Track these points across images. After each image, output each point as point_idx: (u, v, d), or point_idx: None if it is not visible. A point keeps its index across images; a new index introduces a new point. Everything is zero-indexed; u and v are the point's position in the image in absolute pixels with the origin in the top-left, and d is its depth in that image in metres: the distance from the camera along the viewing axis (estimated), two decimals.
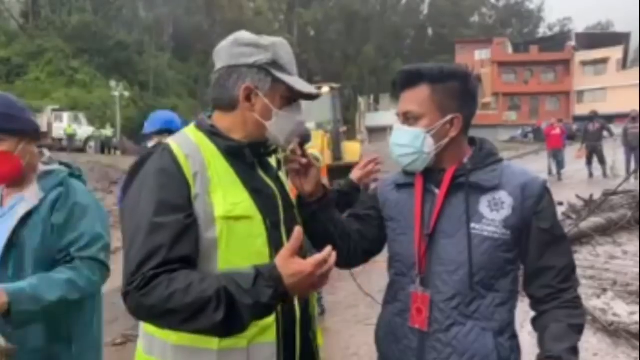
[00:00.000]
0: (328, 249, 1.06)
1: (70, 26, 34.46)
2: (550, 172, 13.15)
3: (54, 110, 24.40)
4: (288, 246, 1.06)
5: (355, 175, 1.85)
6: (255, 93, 1.22)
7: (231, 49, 1.25)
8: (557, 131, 13.35)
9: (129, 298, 1.04)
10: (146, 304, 1.03)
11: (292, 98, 1.27)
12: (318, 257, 1.04)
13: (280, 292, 1.03)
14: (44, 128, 23.25)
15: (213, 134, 1.25)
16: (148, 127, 3.66)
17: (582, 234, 6.44)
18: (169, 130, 3.49)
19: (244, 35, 1.27)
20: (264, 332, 1.16)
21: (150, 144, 3.55)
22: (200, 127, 1.27)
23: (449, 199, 1.32)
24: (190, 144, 1.20)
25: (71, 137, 22.13)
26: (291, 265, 1.03)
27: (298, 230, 1.07)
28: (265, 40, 1.25)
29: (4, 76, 31.74)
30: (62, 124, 23.08)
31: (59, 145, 22.28)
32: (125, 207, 1.16)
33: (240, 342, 1.13)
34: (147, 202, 1.10)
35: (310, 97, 1.31)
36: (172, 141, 1.21)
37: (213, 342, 1.12)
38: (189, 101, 37.90)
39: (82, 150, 22.14)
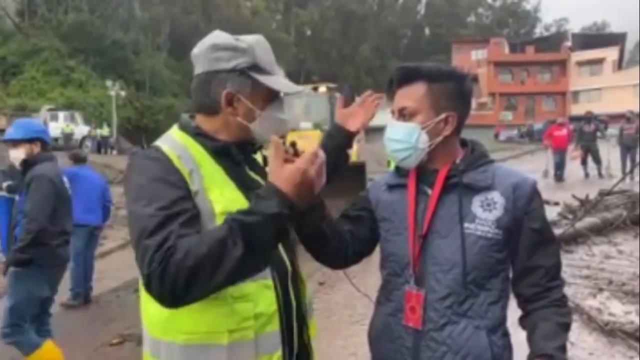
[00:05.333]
0: (315, 147, 1.07)
1: (66, 25, 34.30)
2: (546, 175, 12.92)
3: (49, 109, 24.28)
4: (273, 157, 1.07)
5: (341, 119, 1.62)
6: (236, 98, 1.22)
7: (209, 54, 1.23)
8: (564, 132, 12.72)
9: (152, 281, 0.99)
10: (168, 277, 0.98)
11: (274, 96, 1.28)
12: (307, 154, 1.06)
13: (283, 200, 1.02)
14: None
15: (198, 135, 1.25)
16: (16, 133, 3.31)
17: (577, 233, 6.48)
18: (40, 139, 3.31)
19: (220, 38, 1.25)
20: (269, 322, 1.17)
21: (19, 151, 3.27)
22: (184, 129, 1.27)
23: (442, 200, 1.33)
24: (178, 145, 1.20)
25: (68, 136, 22.05)
26: (282, 172, 1.04)
27: (275, 139, 1.08)
28: (243, 42, 1.24)
29: (0, 75, 31.59)
30: (57, 124, 22.97)
31: (54, 145, 22.19)
32: (128, 204, 1.13)
33: (247, 334, 1.14)
34: (150, 196, 1.07)
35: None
36: (160, 143, 1.20)
37: (222, 338, 1.13)
38: (185, 100, 37.76)
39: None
